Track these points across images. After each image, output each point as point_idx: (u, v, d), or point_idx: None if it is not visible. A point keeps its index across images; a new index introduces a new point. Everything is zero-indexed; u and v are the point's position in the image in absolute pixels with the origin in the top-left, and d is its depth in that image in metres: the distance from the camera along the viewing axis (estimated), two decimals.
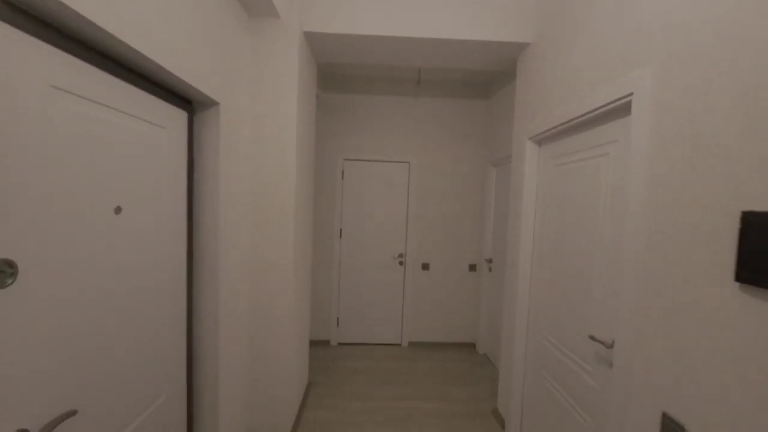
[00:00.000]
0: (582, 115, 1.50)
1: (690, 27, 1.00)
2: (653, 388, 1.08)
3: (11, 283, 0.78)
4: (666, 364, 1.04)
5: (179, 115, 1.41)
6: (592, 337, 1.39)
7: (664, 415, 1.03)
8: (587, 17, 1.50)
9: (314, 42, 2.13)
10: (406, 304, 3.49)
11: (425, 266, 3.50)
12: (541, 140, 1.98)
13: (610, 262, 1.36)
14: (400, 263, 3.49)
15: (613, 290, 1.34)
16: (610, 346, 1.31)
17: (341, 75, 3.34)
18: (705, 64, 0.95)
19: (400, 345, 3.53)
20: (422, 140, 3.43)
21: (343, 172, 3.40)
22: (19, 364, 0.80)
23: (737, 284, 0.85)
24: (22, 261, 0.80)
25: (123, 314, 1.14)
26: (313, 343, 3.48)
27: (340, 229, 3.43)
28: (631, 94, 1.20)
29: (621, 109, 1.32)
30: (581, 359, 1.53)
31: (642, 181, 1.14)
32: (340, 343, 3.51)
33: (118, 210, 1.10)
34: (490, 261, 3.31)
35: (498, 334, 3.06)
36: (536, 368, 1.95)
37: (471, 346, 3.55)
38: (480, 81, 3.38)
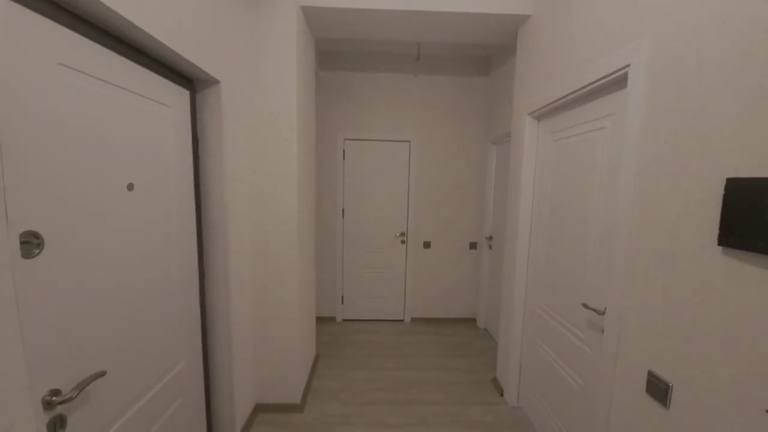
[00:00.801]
0: (580, 89, 1.51)
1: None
2: (641, 350, 1.15)
3: (38, 254, 0.83)
4: (653, 328, 1.10)
5: (181, 94, 1.43)
6: (585, 305, 1.45)
7: (650, 373, 1.11)
8: None
9: (311, 16, 2.10)
10: (409, 281, 3.58)
11: (427, 244, 3.57)
12: (540, 115, 1.99)
13: (604, 232, 1.41)
14: (402, 242, 3.55)
15: (606, 260, 1.39)
16: (602, 313, 1.37)
17: (339, 52, 3.30)
18: (697, 32, 0.96)
19: (403, 321, 3.65)
20: (422, 119, 3.42)
21: (344, 151, 3.41)
22: (50, 329, 0.86)
23: (720, 248, 0.89)
24: (47, 233, 0.85)
25: (142, 283, 1.20)
26: (320, 320, 3.60)
27: (343, 209, 3.48)
28: (628, 65, 1.21)
29: (618, 82, 1.33)
30: (575, 326, 1.60)
31: (634, 152, 1.17)
32: (345, 320, 3.63)
33: (130, 187, 1.15)
34: (490, 239, 3.37)
35: (497, 309, 3.16)
36: (532, 337, 2.04)
37: (472, 321, 3.67)
38: (480, 56, 3.32)
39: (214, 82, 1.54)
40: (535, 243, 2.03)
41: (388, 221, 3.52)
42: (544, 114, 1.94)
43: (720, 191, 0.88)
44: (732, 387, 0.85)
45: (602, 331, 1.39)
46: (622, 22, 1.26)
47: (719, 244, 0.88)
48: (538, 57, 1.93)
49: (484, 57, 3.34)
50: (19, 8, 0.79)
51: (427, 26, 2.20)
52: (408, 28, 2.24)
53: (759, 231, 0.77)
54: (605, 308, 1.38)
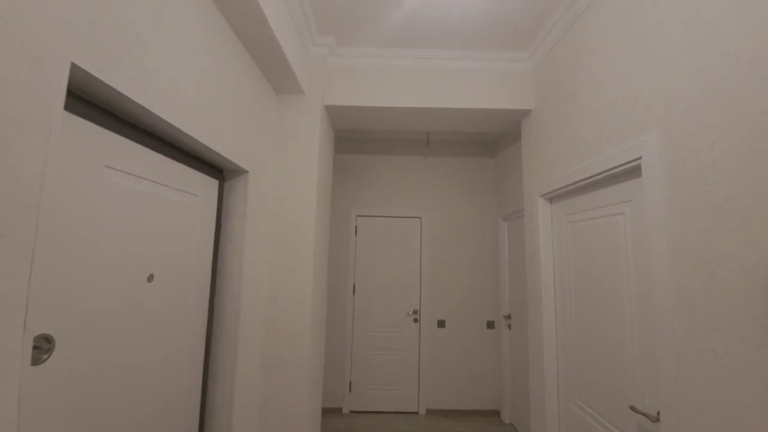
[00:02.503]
0: (591, 177, 1.56)
1: (688, 96, 1.08)
2: None
3: (46, 359, 0.78)
4: None
5: (211, 183, 1.50)
6: (633, 408, 1.28)
7: None
8: (587, 85, 1.64)
9: (333, 113, 2.32)
10: (423, 364, 3.30)
11: (441, 323, 3.37)
12: (552, 198, 2.03)
13: (641, 323, 1.31)
14: (415, 320, 3.37)
15: (647, 353, 1.27)
16: (656, 420, 1.20)
17: (354, 138, 3.57)
18: (706, 128, 1.01)
19: (417, 413, 3.26)
20: (433, 196, 3.53)
21: (356, 227, 3.46)
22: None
23: None
24: (59, 335, 0.81)
25: (146, 382, 1.11)
26: (325, 411, 3.24)
27: (353, 285, 3.39)
28: (640, 157, 1.26)
29: (631, 171, 1.37)
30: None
31: (663, 241, 1.15)
32: (352, 411, 3.26)
33: (150, 278, 1.13)
34: (508, 317, 3.18)
35: (524, 400, 2.83)
36: None
37: (495, 413, 3.27)
38: (486, 140, 3.57)
39: (243, 172, 1.63)
40: (563, 329, 1.90)
41: (400, 298, 3.39)
42: (556, 197, 1.99)
43: (765, 284, 0.83)
44: None
45: None
46: (627, 115, 1.36)
47: None
48: (544, 144, 2.05)
49: (490, 141, 3.58)
50: (72, 117, 0.86)
51: (436, 119, 2.40)
52: (419, 121, 2.45)
53: None
54: (658, 412, 1.21)
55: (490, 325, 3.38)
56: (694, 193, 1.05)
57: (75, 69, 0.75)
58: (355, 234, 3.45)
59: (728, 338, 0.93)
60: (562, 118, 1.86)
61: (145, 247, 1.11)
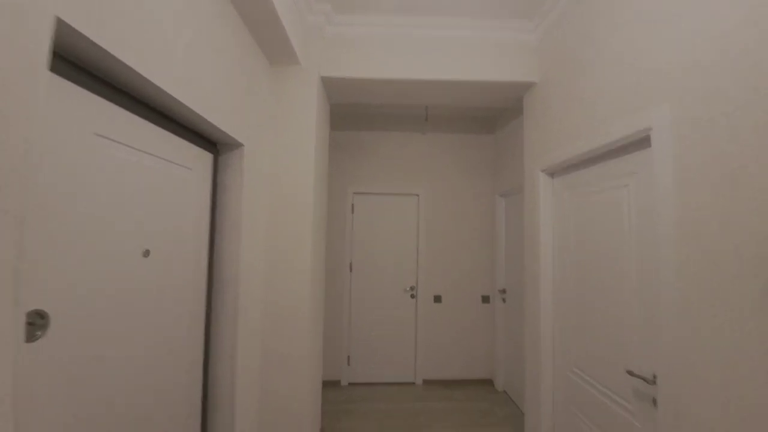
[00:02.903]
0: (597, 149, 1.54)
1: (704, 66, 1.06)
2: (710, 429, 1.03)
3: (40, 336, 0.75)
4: (718, 401, 0.99)
5: (206, 157, 1.44)
6: (630, 372, 1.33)
7: None
8: (597, 57, 1.59)
9: (329, 85, 2.23)
10: (419, 338, 3.38)
11: (437, 298, 3.43)
12: (553, 172, 2.03)
13: (642, 292, 1.34)
14: (412, 296, 3.42)
15: (648, 320, 1.31)
16: (652, 382, 1.25)
17: (351, 114, 3.46)
18: (723, 98, 0.99)
19: (413, 383, 3.37)
20: (431, 173, 3.49)
21: (353, 205, 3.42)
22: (38, 420, 0.75)
23: None
24: (54, 310, 0.78)
25: (144, 364, 1.09)
26: (324, 384, 3.32)
27: (350, 263, 3.39)
28: (650, 128, 1.25)
29: (639, 143, 1.36)
30: (619, 396, 1.46)
31: (671, 213, 1.15)
32: (351, 383, 3.36)
33: (146, 253, 1.10)
34: (503, 291, 3.25)
35: (517, 369, 2.94)
36: (566, 405, 1.85)
37: (489, 382, 3.40)
38: (485, 116, 3.51)
39: (238, 145, 1.56)
40: (561, 299, 1.94)
41: (397, 275, 3.42)
42: (558, 171, 1.98)
43: None
44: None
45: (654, 402, 1.26)
46: (639, 87, 1.33)
47: None
48: (549, 118, 2.02)
49: (489, 117, 3.52)
50: (59, 80, 0.80)
51: (436, 92, 2.33)
52: (417, 95, 2.37)
53: None
54: (654, 375, 1.26)
55: (485, 299, 3.46)
56: (708, 163, 1.04)
57: (61, 25, 0.68)
58: (352, 212, 3.42)
59: (732, 306, 0.95)
60: (568, 91, 1.82)
61: (140, 222, 1.06)
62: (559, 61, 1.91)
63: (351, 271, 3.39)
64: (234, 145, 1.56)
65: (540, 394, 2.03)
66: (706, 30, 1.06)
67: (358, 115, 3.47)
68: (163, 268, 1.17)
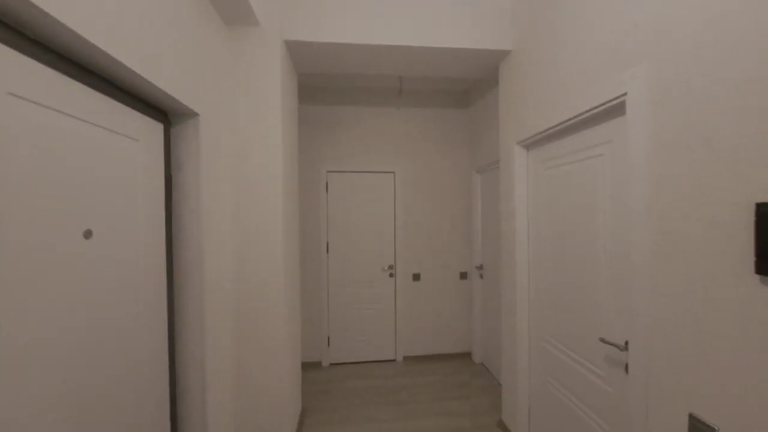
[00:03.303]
0: (572, 118, 1.51)
1: (681, 22, 1.02)
2: (676, 389, 1.05)
3: None
4: (688, 364, 1.01)
5: (154, 127, 1.29)
6: (602, 340, 1.36)
7: (691, 417, 1.00)
8: (571, 22, 1.53)
9: (295, 51, 2.06)
10: (399, 317, 3.39)
11: (416, 276, 3.43)
12: (529, 145, 1.99)
13: (616, 261, 1.35)
14: (390, 275, 3.40)
15: (621, 290, 1.32)
16: (624, 348, 1.28)
17: (321, 87, 3.29)
18: (701, 57, 0.96)
19: (394, 360, 3.40)
20: (406, 150, 3.41)
21: (327, 184, 3.31)
22: None
23: (758, 277, 0.83)
24: None
25: (96, 353, 0.99)
26: (305, 366, 3.30)
27: (327, 243, 3.31)
28: (625, 94, 1.21)
29: (614, 110, 1.33)
30: (591, 363, 1.49)
31: (645, 180, 1.14)
32: (332, 364, 3.35)
33: (87, 234, 0.97)
34: (480, 267, 3.29)
35: (493, 342, 3.01)
36: (541, 375, 1.90)
37: (467, 355, 3.48)
38: (459, 90, 3.42)
39: (193, 115, 1.41)
40: (536, 274, 1.96)
41: (375, 254, 3.38)
42: (533, 143, 1.94)
43: (750, 217, 0.84)
44: None
45: (625, 368, 1.29)
46: (614, 51, 1.28)
47: (757, 272, 0.82)
48: (524, 88, 1.96)
49: (463, 91, 3.44)
50: None
51: (409, 61, 2.22)
52: (390, 63, 2.25)
53: None
54: (626, 342, 1.29)
55: (463, 276, 3.49)
56: (683, 126, 1.02)
57: None
58: (326, 191, 3.30)
59: (705, 273, 0.96)
60: (543, 59, 1.76)
61: (76, 198, 0.93)
62: (533, 27, 1.84)
63: (328, 252, 3.31)
64: (188, 114, 1.41)
65: (516, 365, 2.07)
66: None
67: (330, 88, 3.30)
68: (109, 249, 1.05)
